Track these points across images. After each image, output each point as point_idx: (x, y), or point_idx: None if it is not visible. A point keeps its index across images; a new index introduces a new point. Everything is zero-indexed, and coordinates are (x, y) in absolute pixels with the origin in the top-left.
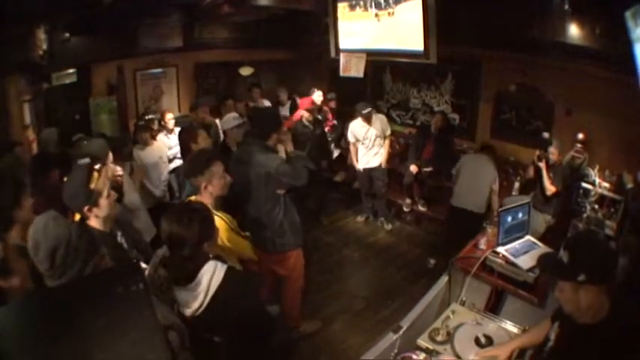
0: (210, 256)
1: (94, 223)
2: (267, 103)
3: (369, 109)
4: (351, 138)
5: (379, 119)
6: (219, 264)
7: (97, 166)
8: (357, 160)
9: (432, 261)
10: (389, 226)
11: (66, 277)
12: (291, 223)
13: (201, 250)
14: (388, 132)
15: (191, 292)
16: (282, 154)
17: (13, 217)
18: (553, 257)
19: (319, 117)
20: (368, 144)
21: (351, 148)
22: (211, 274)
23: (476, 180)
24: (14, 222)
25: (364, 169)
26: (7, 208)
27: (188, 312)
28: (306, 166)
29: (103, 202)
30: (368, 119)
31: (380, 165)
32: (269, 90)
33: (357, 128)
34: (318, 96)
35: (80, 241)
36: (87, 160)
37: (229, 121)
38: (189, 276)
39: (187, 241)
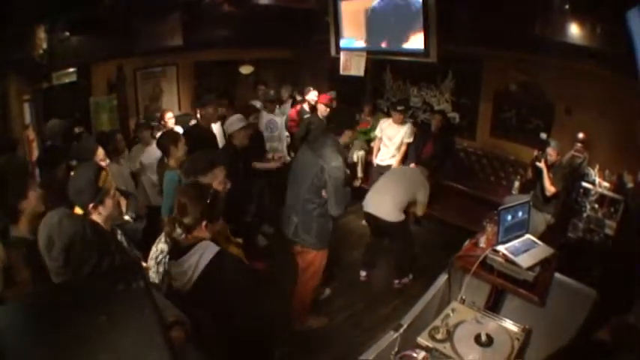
0: (207, 237)
1: (96, 220)
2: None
3: (402, 108)
4: (378, 133)
5: (406, 125)
6: (212, 244)
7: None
8: (375, 156)
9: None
10: None
11: (79, 274)
12: (320, 226)
13: (200, 225)
14: (409, 140)
15: (181, 266)
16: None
17: (18, 207)
18: None
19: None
20: (390, 145)
21: (376, 142)
22: (202, 252)
23: (387, 188)
24: (20, 213)
25: (377, 165)
26: (13, 198)
27: (178, 285)
28: (345, 202)
29: (109, 201)
30: (399, 121)
31: (390, 166)
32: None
33: (387, 128)
34: (313, 95)
35: (95, 238)
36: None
37: (235, 123)
38: (182, 251)
39: (190, 211)
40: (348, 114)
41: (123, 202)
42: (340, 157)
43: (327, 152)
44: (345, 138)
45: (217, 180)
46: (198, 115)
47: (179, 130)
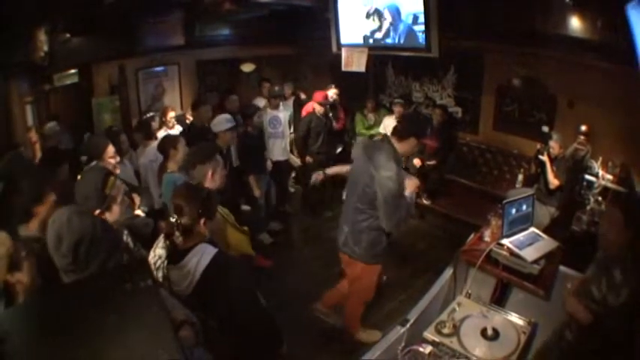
0: (207, 235)
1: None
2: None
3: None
4: (382, 129)
5: None
6: (210, 247)
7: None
8: None
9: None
10: None
11: (88, 272)
12: (372, 239)
13: (198, 224)
14: None
15: (180, 271)
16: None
17: (33, 211)
18: None
19: (331, 114)
20: None
21: None
22: (200, 255)
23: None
24: (33, 216)
25: None
26: (29, 203)
27: (178, 290)
28: (407, 214)
29: (116, 207)
30: (400, 114)
31: None
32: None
33: (391, 124)
34: (334, 93)
35: (104, 236)
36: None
37: (222, 123)
38: (180, 255)
39: (187, 211)
40: (420, 123)
41: (137, 199)
42: (395, 165)
43: (380, 159)
44: (406, 146)
45: (221, 165)
46: (189, 116)
47: (180, 128)
